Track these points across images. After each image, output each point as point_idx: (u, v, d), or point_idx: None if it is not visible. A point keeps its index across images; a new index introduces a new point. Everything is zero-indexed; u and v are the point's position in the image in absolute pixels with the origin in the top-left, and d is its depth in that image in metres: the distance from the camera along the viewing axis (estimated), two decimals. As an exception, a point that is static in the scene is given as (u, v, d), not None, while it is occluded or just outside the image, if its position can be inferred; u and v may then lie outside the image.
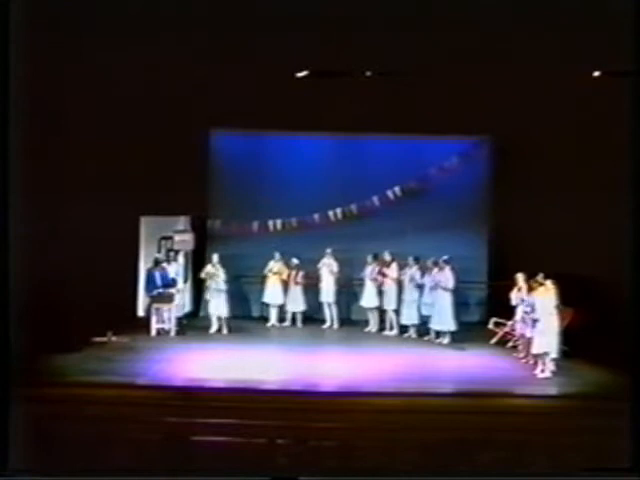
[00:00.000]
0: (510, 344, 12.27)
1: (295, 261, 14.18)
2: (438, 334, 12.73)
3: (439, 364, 11.30)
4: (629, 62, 10.85)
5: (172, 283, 13.20)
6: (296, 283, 14.20)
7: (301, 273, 14.17)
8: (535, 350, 10.52)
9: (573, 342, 10.94)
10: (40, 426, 8.78)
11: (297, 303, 14.29)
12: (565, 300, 10.74)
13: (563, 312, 10.75)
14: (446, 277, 12.42)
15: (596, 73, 12.96)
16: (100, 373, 10.35)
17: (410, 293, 13.08)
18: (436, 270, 12.59)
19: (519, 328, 11.58)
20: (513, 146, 14.28)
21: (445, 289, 12.39)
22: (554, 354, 10.45)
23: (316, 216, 14.94)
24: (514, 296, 11.82)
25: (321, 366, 10.92)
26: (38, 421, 8.79)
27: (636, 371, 9.69)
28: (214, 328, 13.56)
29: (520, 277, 11.79)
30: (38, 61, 11.08)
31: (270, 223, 15.00)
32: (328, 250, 14.17)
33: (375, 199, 14.99)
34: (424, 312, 12.93)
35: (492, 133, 14.59)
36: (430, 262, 12.83)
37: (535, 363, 10.65)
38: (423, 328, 13.07)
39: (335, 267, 14.13)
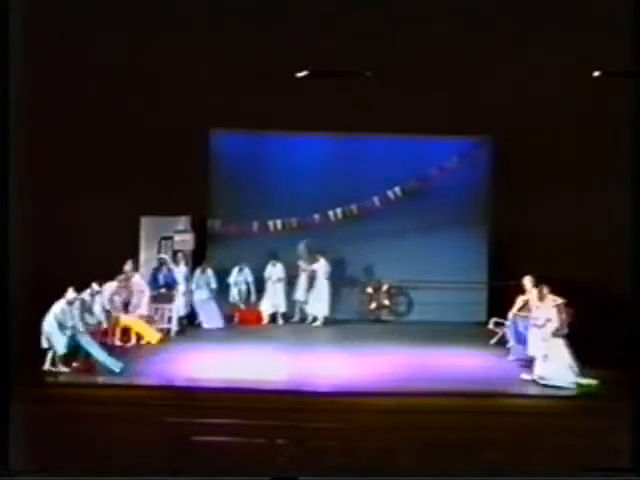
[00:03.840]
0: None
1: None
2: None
3: (438, 364, 11.29)
4: (629, 62, 10.89)
5: (173, 284, 13.27)
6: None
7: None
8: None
9: (573, 342, 10.93)
10: (40, 426, 8.79)
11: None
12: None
13: (565, 312, 10.73)
14: (321, 267, 14.21)
15: (596, 73, 12.96)
16: (100, 373, 10.35)
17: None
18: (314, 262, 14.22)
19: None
20: (513, 146, 14.27)
21: (322, 278, 14.17)
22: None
23: (316, 216, 14.92)
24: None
25: (320, 366, 10.92)
26: (38, 421, 8.80)
27: (636, 371, 9.71)
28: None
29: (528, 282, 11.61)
30: (37, 62, 11.12)
31: (270, 223, 14.97)
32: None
33: (375, 199, 14.97)
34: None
35: (492, 133, 14.59)
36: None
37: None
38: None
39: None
